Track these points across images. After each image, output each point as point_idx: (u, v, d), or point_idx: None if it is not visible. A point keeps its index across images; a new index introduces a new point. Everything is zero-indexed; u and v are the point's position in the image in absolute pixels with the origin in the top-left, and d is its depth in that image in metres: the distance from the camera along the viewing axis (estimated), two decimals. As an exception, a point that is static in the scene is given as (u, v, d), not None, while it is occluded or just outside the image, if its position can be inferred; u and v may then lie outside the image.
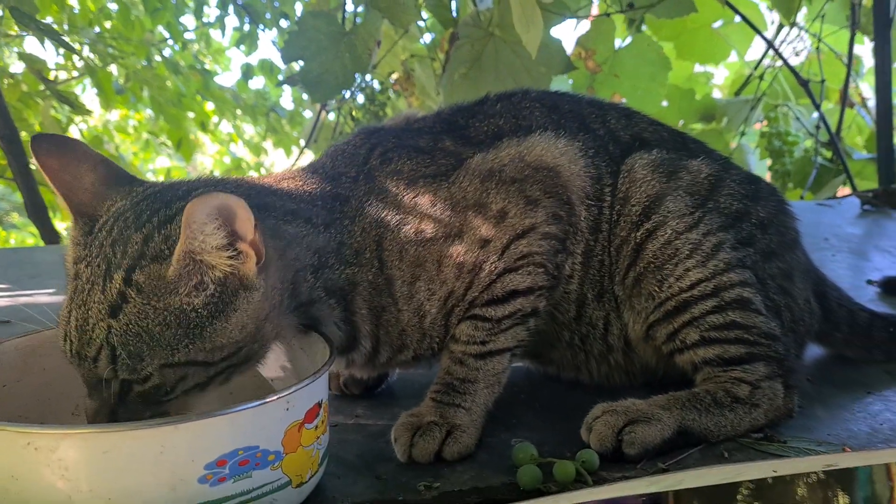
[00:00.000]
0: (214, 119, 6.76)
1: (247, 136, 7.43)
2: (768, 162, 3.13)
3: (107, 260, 0.86)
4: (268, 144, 7.27)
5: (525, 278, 1.08)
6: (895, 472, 1.71)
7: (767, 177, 3.18)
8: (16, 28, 4.16)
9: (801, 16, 3.04)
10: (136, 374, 0.83)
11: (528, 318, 1.10)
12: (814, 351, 1.36)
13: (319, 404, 0.87)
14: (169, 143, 6.11)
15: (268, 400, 0.79)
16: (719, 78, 4.93)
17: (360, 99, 3.57)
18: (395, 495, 0.91)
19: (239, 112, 6.42)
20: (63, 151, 0.96)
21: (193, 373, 0.86)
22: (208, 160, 8.41)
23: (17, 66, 4.70)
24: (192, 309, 0.84)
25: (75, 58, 5.03)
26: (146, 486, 0.74)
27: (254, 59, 6.13)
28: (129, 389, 0.85)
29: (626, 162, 1.17)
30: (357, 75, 2.64)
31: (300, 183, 1.09)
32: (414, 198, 1.08)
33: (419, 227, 1.07)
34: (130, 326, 0.83)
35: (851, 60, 2.64)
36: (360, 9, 2.54)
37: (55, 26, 4.75)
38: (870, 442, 1.05)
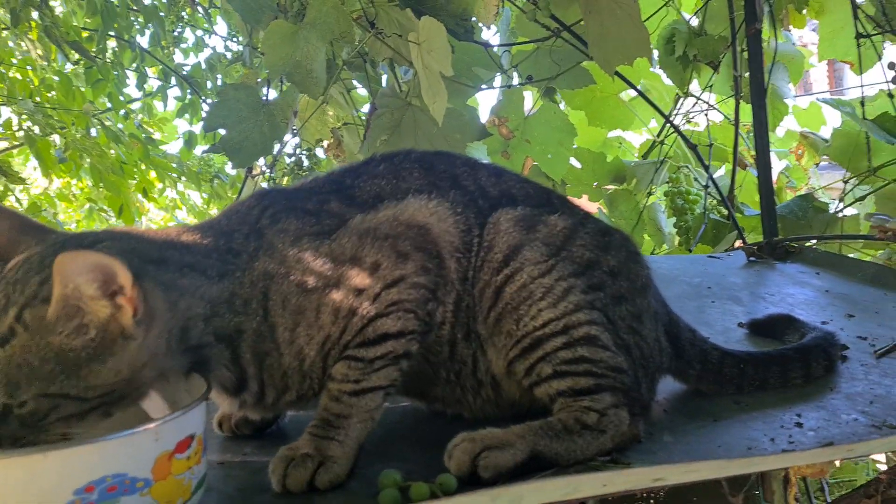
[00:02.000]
0: (159, 186, 6.83)
1: (191, 202, 7.49)
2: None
3: (6, 297, 0.97)
4: (214, 211, 7.34)
5: (395, 323, 1.20)
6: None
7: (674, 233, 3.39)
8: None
9: (698, 85, 3.32)
10: (13, 399, 0.93)
11: (400, 360, 1.21)
12: (674, 386, 1.49)
13: (192, 436, 0.97)
14: (109, 210, 6.15)
15: (135, 431, 0.89)
16: (639, 141, 5.24)
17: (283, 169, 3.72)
18: (265, 521, 1.00)
19: (184, 179, 6.50)
20: None
21: (66, 405, 0.96)
22: (153, 227, 8.41)
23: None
24: (70, 349, 0.95)
25: (14, 127, 5.10)
26: (18, 510, 0.82)
27: (197, 128, 6.24)
28: (8, 412, 0.95)
29: (492, 216, 1.31)
30: (286, 142, 2.79)
31: (198, 237, 1.20)
32: (298, 253, 1.20)
33: (301, 279, 1.18)
34: (13, 358, 0.93)
35: (738, 125, 2.89)
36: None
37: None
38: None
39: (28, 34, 4.13)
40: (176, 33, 5.66)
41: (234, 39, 5.63)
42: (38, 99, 5.15)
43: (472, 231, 1.29)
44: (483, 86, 2.87)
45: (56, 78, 5.36)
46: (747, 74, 2.72)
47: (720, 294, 2.14)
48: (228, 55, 5.72)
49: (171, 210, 8.01)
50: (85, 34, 5.13)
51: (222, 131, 2.41)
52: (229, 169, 6.96)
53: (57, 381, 0.94)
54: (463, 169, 1.38)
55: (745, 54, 2.68)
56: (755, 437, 1.28)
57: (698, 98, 3.18)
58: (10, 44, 4.96)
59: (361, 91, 3.59)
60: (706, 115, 2.98)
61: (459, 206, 1.30)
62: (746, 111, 2.91)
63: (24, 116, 4.81)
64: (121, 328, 0.97)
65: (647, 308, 1.36)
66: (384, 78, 3.24)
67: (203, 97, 5.72)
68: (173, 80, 5.72)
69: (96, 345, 0.96)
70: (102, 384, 0.97)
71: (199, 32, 5.99)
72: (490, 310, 1.26)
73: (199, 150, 6.10)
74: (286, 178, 3.67)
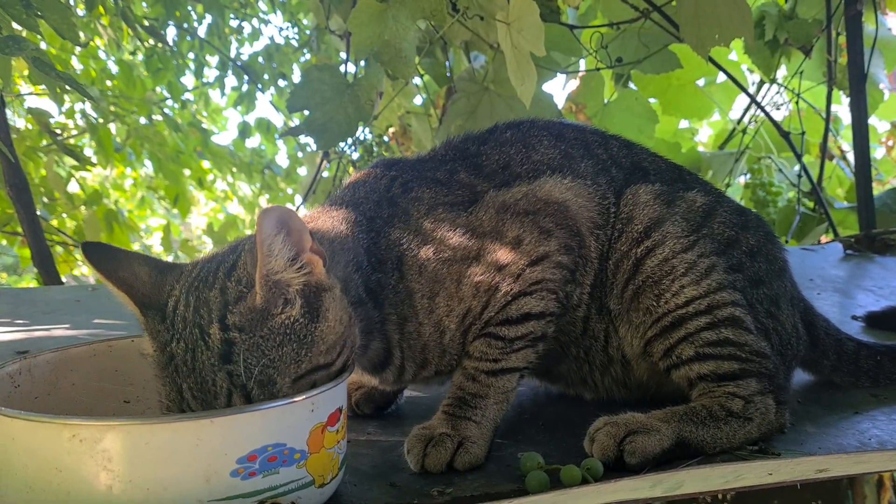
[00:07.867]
0: (210, 177, 6.87)
1: (241, 193, 7.53)
2: (754, 212, 3.24)
3: (197, 325, 0.92)
4: (263, 202, 7.36)
5: (539, 303, 1.15)
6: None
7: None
8: (20, 87, 4.29)
9: (781, 74, 3.20)
10: (275, 398, 0.89)
11: (538, 342, 1.17)
12: (802, 377, 1.42)
13: (340, 410, 0.93)
14: (166, 199, 6.20)
15: (295, 399, 0.85)
16: (703, 136, 5.10)
17: (357, 155, 3.69)
18: (410, 499, 0.96)
19: (234, 170, 6.53)
20: (113, 254, 1.03)
21: (321, 378, 0.94)
22: (203, 219, 8.50)
23: (18, 123, 4.80)
24: (293, 321, 0.92)
25: (76, 115, 5.16)
26: (182, 477, 0.78)
27: (251, 118, 6.26)
28: None
29: (629, 188, 1.26)
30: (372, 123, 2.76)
31: (323, 212, 1.18)
32: (434, 221, 1.16)
33: (439, 247, 1.14)
34: (249, 362, 0.89)
35: (829, 114, 2.77)
36: (362, 63, 2.66)
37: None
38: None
39: (100, 19, 4.15)
40: (233, 23, 5.68)
41: (292, 28, 5.62)
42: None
43: (608, 199, 1.24)
44: (562, 70, 2.80)
45: (115, 67, 5.41)
46: (841, 60, 2.60)
47: (824, 286, 2.05)
48: (286, 43, 5.71)
49: (221, 201, 8.06)
50: (145, 23, 5.17)
51: (297, 116, 2.39)
52: (280, 160, 7.00)
53: (303, 357, 0.92)
54: (593, 137, 1.33)
55: (840, 39, 2.56)
56: (907, 430, 1.20)
57: (782, 85, 3.06)
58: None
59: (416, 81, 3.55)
60: (797, 103, 2.86)
61: (594, 178, 1.25)
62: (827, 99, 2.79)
63: (87, 104, 4.85)
64: (318, 281, 0.95)
65: (785, 292, 1.29)
66: (447, 65, 3.19)
67: (259, 87, 5.73)
68: (230, 70, 5.74)
69: (308, 308, 0.93)
70: (336, 338, 0.96)
71: (255, 22, 6.00)
72: (627, 283, 1.19)
73: (255, 139, 6.12)
74: (352, 167, 3.64)
